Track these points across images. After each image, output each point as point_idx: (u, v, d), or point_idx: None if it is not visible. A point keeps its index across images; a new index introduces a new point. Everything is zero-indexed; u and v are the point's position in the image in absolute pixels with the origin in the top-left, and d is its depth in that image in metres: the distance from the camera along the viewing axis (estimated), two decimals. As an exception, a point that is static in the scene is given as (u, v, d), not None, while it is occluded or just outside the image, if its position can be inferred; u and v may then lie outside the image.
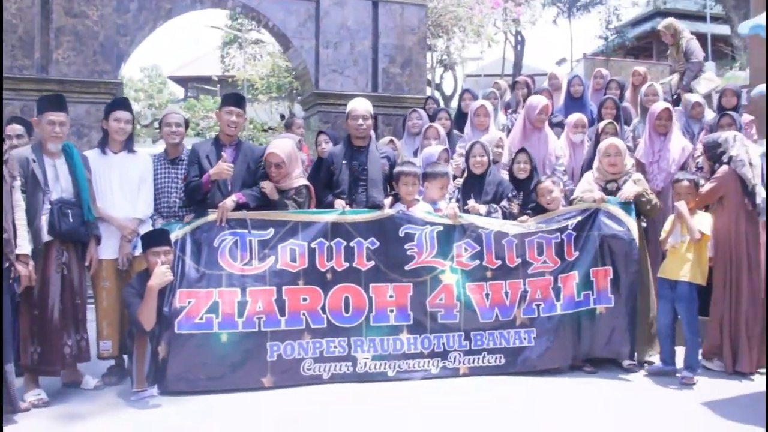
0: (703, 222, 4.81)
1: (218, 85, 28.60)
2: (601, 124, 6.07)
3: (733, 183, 4.92)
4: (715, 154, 5.06)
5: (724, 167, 4.95)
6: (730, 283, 4.94)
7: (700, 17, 27.14)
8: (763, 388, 4.32)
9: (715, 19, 25.29)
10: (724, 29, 23.79)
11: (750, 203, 4.94)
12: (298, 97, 20.95)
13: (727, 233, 4.94)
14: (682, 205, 4.83)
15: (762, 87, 6.76)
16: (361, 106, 5.28)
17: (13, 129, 4.96)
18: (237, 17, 20.21)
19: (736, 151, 4.93)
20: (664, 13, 32.07)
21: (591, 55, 29.44)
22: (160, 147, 5.85)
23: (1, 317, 3.89)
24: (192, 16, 9.88)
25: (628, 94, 7.80)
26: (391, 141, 6.41)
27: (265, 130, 21.61)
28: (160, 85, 29.68)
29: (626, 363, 5.06)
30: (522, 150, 5.58)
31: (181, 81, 35.06)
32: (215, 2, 9.69)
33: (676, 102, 7.49)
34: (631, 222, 5.08)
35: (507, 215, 5.28)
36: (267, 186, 4.92)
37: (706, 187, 4.99)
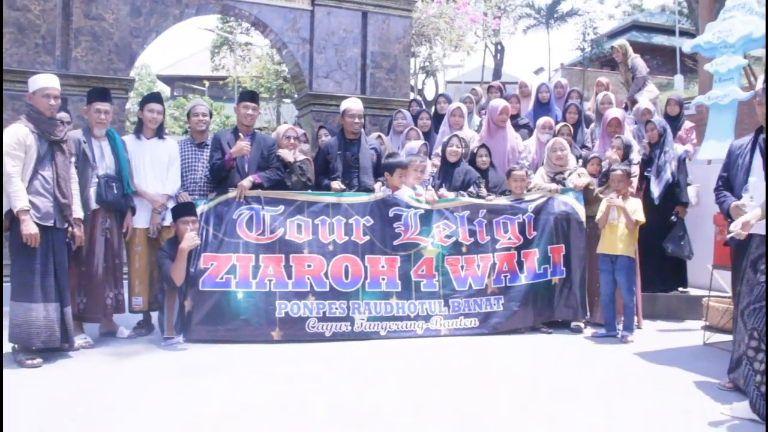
0: (638, 208, 5.76)
1: (206, 85, 29.27)
2: (557, 126, 7.07)
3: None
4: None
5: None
6: None
7: (672, 31, 28.25)
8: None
9: (684, 33, 26.29)
10: (693, 44, 24.73)
11: None
12: (284, 99, 21.83)
13: None
14: (619, 201, 5.71)
15: (701, 98, 7.79)
16: (355, 105, 6.20)
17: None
18: (228, 20, 20.97)
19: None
20: (640, 27, 33.34)
21: (568, 65, 30.52)
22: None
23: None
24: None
25: (591, 101, 8.79)
26: (379, 137, 7.31)
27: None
28: (150, 83, 30.24)
29: (573, 324, 6.04)
30: (483, 145, 6.58)
31: (168, 80, 35.65)
32: (220, 9, 10.55)
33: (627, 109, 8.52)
34: (580, 207, 6.13)
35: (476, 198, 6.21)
36: (286, 153, 5.88)
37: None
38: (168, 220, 5.60)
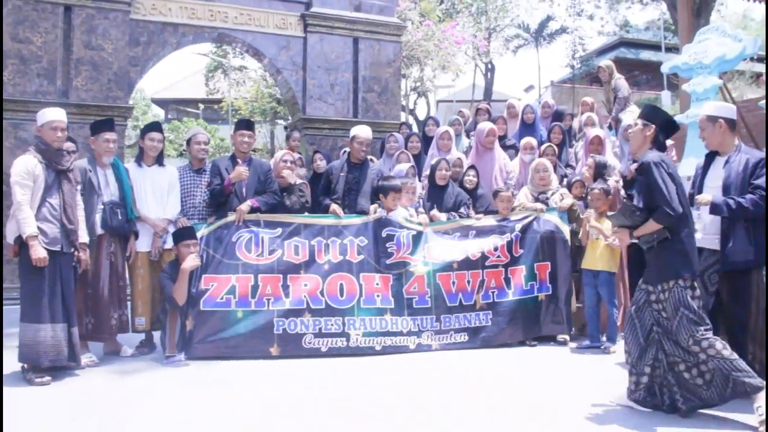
0: (615, 225, 6.03)
1: (200, 108, 29.59)
2: (542, 147, 7.38)
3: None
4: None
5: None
6: None
7: (659, 47, 28.70)
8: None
9: (671, 49, 26.68)
10: (679, 60, 25.13)
11: None
12: (278, 121, 22.15)
13: None
14: (593, 222, 6.00)
15: (679, 117, 8.12)
16: (364, 133, 6.50)
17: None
18: (221, 45, 21.36)
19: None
20: (628, 43, 33.85)
21: (558, 83, 30.89)
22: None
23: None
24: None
25: (575, 120, 9.12)
26: (371, 160, 7.61)
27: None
28: (145, 107, 30.58)
29: (559, 337, 6.29)
30: (471, 167, 6.90)
31: (162, 103, 35.95)
32: (216, 37, 10.89)
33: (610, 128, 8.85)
34: (565, 227, 6.41)
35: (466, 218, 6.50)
36: (288, 175, 6.20)
37: None
38: (169, 244, 5.86)
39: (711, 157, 4.75)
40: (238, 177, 5.88)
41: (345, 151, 6.62)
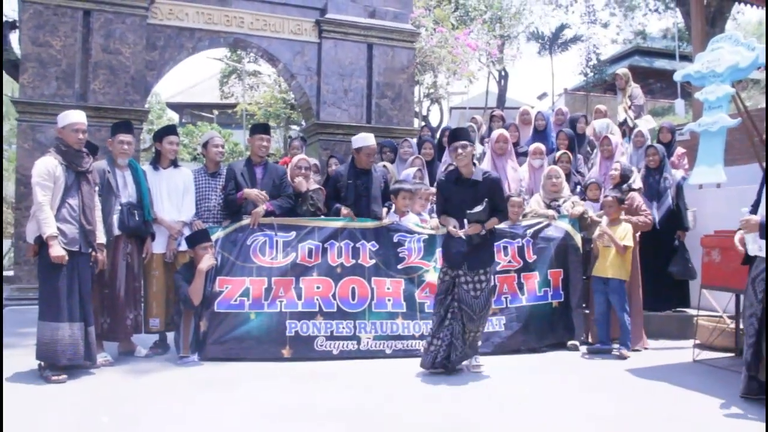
0: (627, 233, 6.06)
1: (214, 113, 29.79)
2: (558, 154, 7.41)
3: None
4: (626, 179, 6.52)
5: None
6: None
7: (674, 56, 28.66)
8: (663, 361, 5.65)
9: (685, 58, 26.61)
10: (694, 69, 25.01)
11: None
12: (292, 126, 22.28)
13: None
14: (604, 228, 6.10)
15: (692, 125, 8.13)
16: (369, 144, 6.45)
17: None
18: (236, 50, 21.52)
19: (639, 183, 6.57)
20: (642, 51, 33.78)
21: (572, 90, 30.84)
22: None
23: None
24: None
25: (590, 127, 9.14)
26: (385, 166, 7.67)
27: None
28: (159, 111, 30.83)
29: (570, 343, 6.32)
30: None
31: (177, 107, 36.24)
32: (232, 42, 11.01)
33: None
34: (575, 233, 6.45)
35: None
36: (300, 183, 6.24)
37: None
38: (183, 246, 5.93)
39: None
40: (249, 195, 5.99)
41: (351, 157, 6.65)
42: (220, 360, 5.59)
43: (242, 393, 4.66)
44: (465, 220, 5.22)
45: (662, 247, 6.93)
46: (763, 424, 3.90)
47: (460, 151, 5.20)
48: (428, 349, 5.29)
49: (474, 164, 5.35)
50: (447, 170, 5.56)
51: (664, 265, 6.87)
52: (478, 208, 5.11)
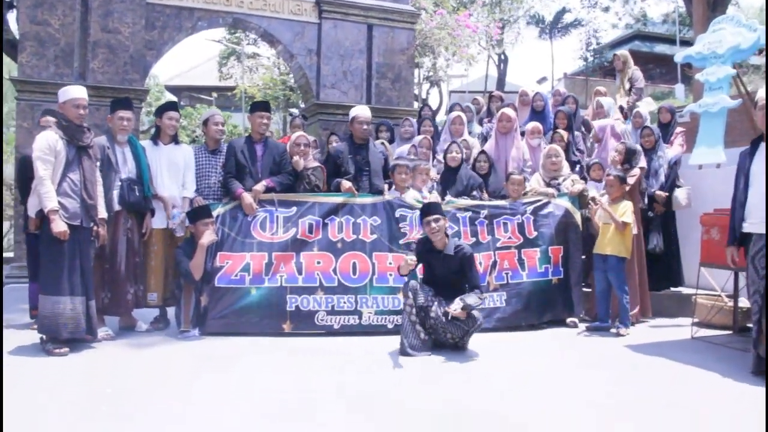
0: (627, 210, 6.07)
1: (213, 95, 29.69)
2: (550, 133, 7.43)
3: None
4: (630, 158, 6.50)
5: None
6: None
7: (674, 41, 28.58)
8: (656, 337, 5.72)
9: (685, 43, 26.52)
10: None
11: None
12: (290, 109, 22.23)
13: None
14: (602, 201, 6.13)
15: (692, 106, 8.13)
16: (363, 112, 6.54)
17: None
18: (235, 31, 21.41)
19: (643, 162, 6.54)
20: (643, 36, 33.68)
21: (571, 75, 30.82)
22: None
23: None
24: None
25: (589, 108, 9.13)
26: (382, 143, 7.67)
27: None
28: (158, 93, 30.70)
29: (569, 320, 6.35)
30: (482, 151, 7.03)
31: (175, 90, 36.07)
32: (231, 23, 10.96)
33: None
34: (575, 210, 6.47)
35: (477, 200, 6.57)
36: (297, 162, 6.20)
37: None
38: (178, 220, 5.94)
39: (756, 143, 4.78)
40: (245, 203, 5.95)
41: (347, 134, 6.65)
42: (221, 335, 5.62)
43: (243, 368, 4.67)
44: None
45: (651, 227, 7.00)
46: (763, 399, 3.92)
47: (433, 225, 5.24)
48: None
49: (447, 236, 5.40)
50: (422, 239, 5.56)
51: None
52: (474, 299, 5.16)
